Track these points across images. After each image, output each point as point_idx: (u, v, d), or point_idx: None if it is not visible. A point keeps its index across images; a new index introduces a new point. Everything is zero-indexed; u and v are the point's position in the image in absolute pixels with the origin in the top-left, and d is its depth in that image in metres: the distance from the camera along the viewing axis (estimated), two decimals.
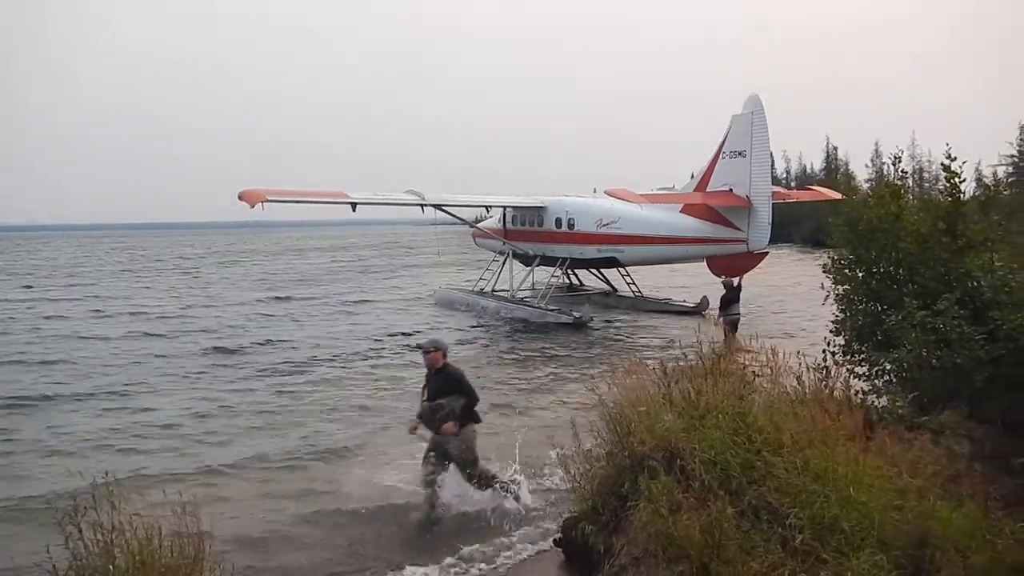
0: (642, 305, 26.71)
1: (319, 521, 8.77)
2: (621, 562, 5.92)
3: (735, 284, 18.19)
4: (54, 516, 5.27)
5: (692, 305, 25.43)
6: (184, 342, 21.31)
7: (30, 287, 40.88)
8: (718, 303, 18.35)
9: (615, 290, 28.38)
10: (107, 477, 5.63)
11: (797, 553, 4.99)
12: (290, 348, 20.17)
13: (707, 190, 22.66)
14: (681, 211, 23.25)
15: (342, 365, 17.86)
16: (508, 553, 7.69)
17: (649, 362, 9.42)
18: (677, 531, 5.33)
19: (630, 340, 21.28)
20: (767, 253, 22.59)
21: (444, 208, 24.55)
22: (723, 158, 22.38)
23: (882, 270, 9.44)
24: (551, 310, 23.78)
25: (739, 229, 21.86)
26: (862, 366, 8.81)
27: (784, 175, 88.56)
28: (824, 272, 9.89)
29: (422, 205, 23.78)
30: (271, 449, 11.36)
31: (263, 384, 15.95)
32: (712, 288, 22.80)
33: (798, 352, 7.75)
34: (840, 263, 9.73)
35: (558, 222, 25.80)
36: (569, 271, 27.66)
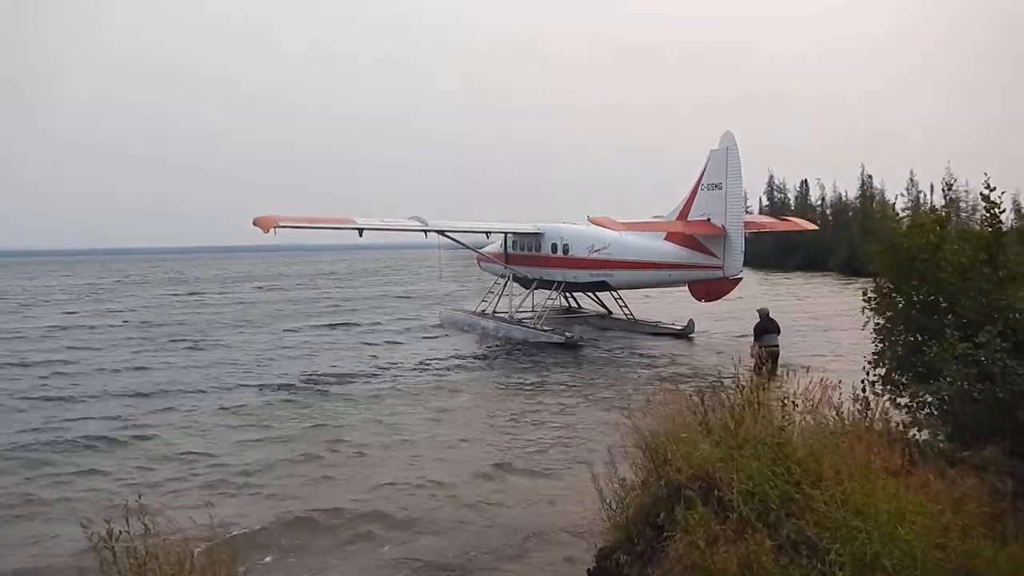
0: (635, 327, 28.24)
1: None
2: None
3: (768, 313, 17.67)
4: (90, 540, 5.37)
5: (680, 328, 27.00)
6: None
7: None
8: (752, 333, 17.77)
9: (610, 312, 29.88)
10: (140, 500, 5.74)
11: None
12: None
13: (688, 219, 24.09)
14: (665, 239, 24.74)
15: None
16: None
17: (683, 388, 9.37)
18: (714, 564, 5.28)
19: (650, 364, 21.48)
20: (741, 279, 24.13)
21: (446, 233, 26.33)
22: (702, 190, 23.74)
23: (922, 299, 9.30)
24: (545, 330, 25.48)
25: (716, 256, 23.32)
26: (902, 397, 8.68)
27: (819, 203, 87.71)
28: (865, 301, 9.76)
29: (425, 231, 25.52)
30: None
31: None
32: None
33: (839, 382, 7.64)
34: (880, 292, 9.60)
35: (554, 247, 27.53)
36: (566, 294, 29.89)
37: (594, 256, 26.10)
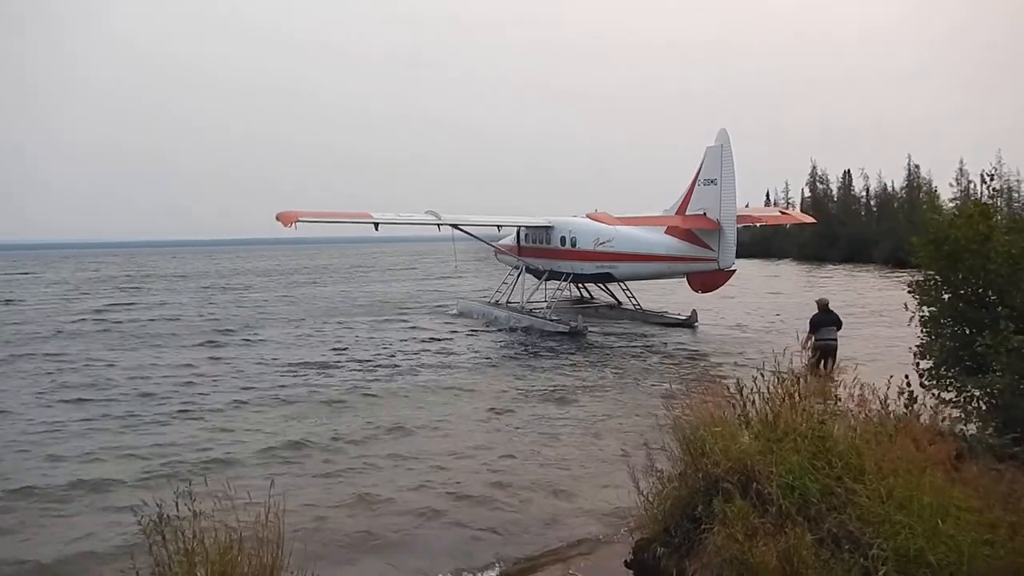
0: (642, 317, 29.44)
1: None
2: None
3: (827, 304, 16.59)
4: (140, 523, 5.45)
5: (684, 317, 28.08)
6: None
7: None
8: (807, 325, 16.57)
9: (619, 303, 31.04)
10: (190, 486, 5.80)
11: None
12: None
13: (686, 214, 24.92)
14: (665, 232, 25.68)
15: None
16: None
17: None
18: (753, 557, 5.22)
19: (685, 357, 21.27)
20: (735, 271, 25.17)
21: (460, 227, 27.77)
22: (698, 185, 24.57)
23: (970, 292, 9.03)
24: (552, 320, 26.81)
25: (711, 249, 24.24)
26: (949, 391, 8.46)
27: (863, 193, 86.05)
28: (909, 293, 9.49)
29: (439, 224, 26.88)
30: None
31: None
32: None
33: (890, 377, 7.44)
34: (925, 285, 9.34)
35: (562, 240, 28.61)
36: (579, 285, 30.99)
37: (599, 249, 27.12)
